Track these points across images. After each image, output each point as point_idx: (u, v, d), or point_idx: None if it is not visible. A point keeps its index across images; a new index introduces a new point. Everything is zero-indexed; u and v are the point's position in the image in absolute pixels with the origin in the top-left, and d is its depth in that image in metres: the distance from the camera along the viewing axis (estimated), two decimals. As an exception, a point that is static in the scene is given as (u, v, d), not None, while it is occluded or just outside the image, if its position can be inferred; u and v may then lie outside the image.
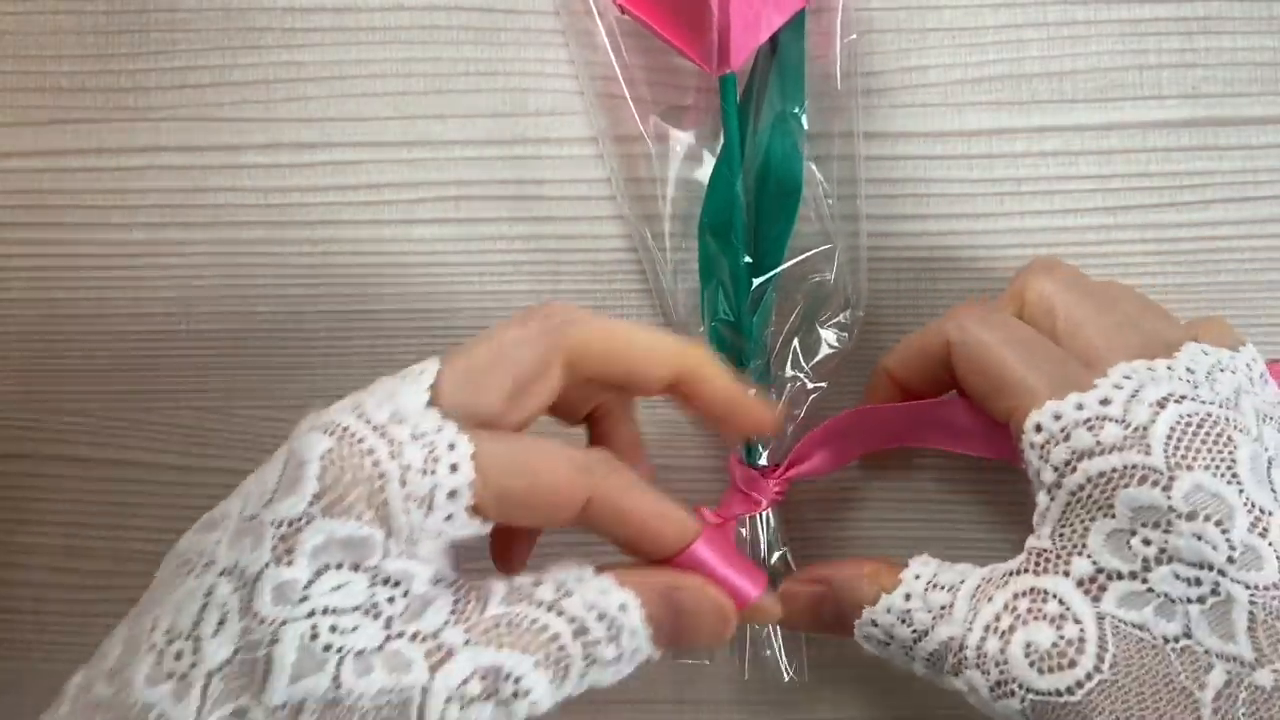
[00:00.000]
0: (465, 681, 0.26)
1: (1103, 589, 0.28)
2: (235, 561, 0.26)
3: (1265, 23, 0.41)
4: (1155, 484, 0.28)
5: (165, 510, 0.42)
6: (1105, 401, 0.29)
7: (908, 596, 0.31)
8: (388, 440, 0.27)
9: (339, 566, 0.26)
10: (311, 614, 0.26)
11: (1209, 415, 0.28)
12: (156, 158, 0.42)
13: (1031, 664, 0.28)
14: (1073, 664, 0.28)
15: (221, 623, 0.26)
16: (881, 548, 0.40)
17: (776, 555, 0.39)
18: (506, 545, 0.33)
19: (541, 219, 0.42)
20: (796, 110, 0.39)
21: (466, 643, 0.26)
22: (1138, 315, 0.32)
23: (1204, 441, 0.28)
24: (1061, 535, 0.29)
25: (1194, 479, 0.28)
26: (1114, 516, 0.28)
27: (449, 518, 0.27)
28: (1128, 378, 0.29)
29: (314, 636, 0.25)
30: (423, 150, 0.42)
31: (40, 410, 0.42)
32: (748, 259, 0.38)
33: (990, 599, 0.29)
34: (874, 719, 0.40)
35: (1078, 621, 0.28)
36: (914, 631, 0.30)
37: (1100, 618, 0.28)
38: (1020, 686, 0.28)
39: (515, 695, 0.26)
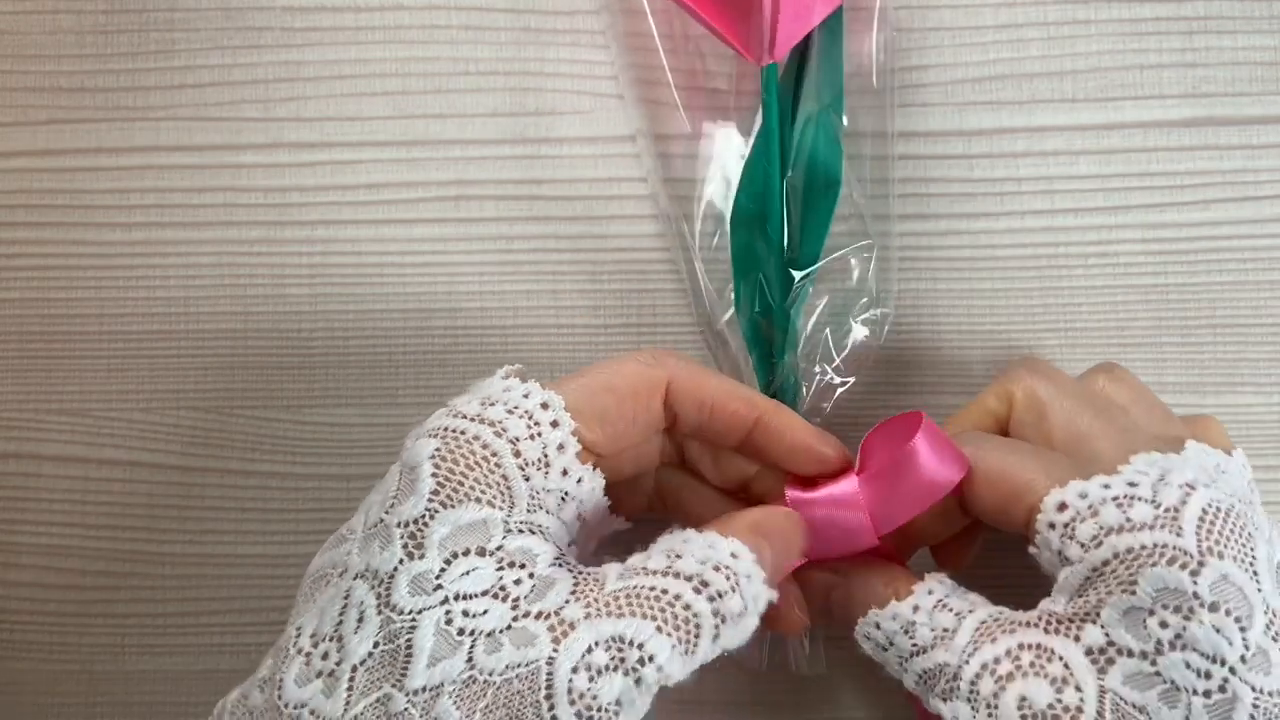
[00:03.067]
0: (589, 651, 0.26)
1: (1110, 662, 0.28)
2: (368, 564, 0.28)
3: (1265, 22, 0.41)
4: (1184, 566, 0.27)
5: (165, 510, 0.42)
6: (1133, 484, 0.29)
7: (915, 609, 0.31)
8: (488, 423, 0.29)
9: (466, 553, 0.28)
10: (445, 601, 0.27)
11: (1232, 507, 0.29)
12: (156, 158, 0.42)
13: (1022, 716, 0.28)
14: None
15: (361, 620, 0.27)
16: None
17: None
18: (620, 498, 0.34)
19: (541, 219, 0.42)
20: (833, 103, 0.39)
21: (587, 616, 0.27)
22: (1138, 417, 0.32)
23: (1231, 532, 0.28)
24: (1075, 603, 0.29)
25: (1222, 568, 0.27)
26: (1135, 593, 0.28)
27: (565, 472, 0.30)
28: (1151, 464, 0.30)
29: (449, 621, 0.27)
30: (423, 150, 0.42)
31: (40, 410, 0.42)
32: (789, 253, 0.38)
33: (994, 640, 0.29)
34: (875, 719, 0.40)
35: (1079, 690, 0.27)
36: (913, 645, 0.31)
37: (1103, 692, 0.27)
38: None
39: (641, 663, 0.27)
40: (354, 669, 0.27)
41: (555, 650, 0.26)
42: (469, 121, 0.42)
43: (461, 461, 0.29)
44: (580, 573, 0.29)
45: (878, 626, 0.32)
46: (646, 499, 0.36)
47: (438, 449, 0.29)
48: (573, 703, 0.26)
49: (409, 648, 0.27)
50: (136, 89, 0.43)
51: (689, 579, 0.28)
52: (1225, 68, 0.41)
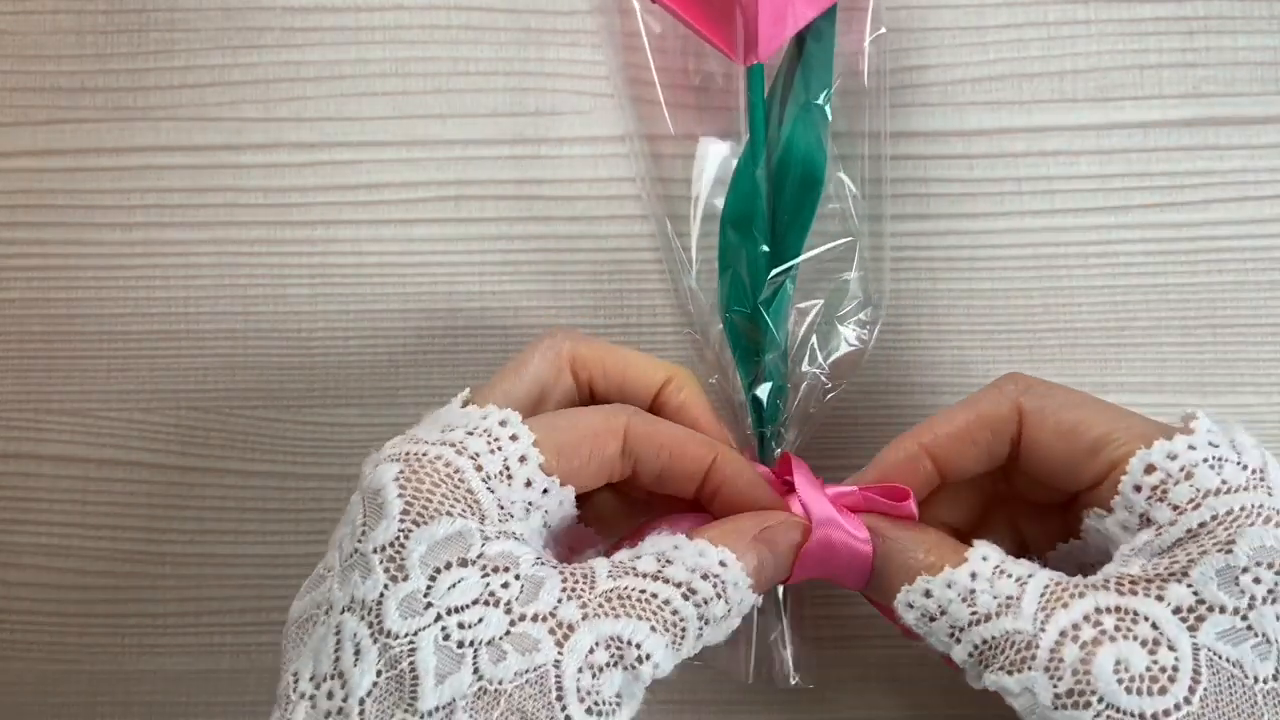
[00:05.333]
0: (592, 651, 0.28)
1: (1201, 620, 0.28)
2: (352, 596, 0.28)
3: (1265, 22, 0.41)
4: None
5: (165, 510, 0.42)
6: (1214, 444, 0.29)
7: (974, 575, 0.30)
8: (449, 444, 0.29)
9: (449, 566, 0.28)
10: (439, 617, 0.27)
11: None
12: (156, 158, 0.42)
13: (1120, 680, 0.27)
14: (1163, 690, 0.27)
15: (358, 652, 0.27)
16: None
17: None
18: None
19: (541, 219, 0.42)
20: (820, 101, 0.39)
21: (584, 617, 0.28)
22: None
23: None
24: (1156, 564, 0.29)
25: None
26: (1231, 552, 0.28)
27: (529, 483, 0.30)
28: (1217, 427, 0.30)
29: (446, 637, 0.27)
30: (423, 150, 0.42)
31: (40, 410, 0.42)
32: (765, 249, 0.38)
33: (1066, 605, 0.28)
34: (873, 719, 0.40)
35: (1172, 649, 0.27)
36: (973, 614, 0.29)
37: (1196, 649, 0.27)
38: (1100, 701, 0.27)
39: (639, 660, 0.28)
40: (361, 702, 0.27)
41: (560, 653, 0.27)
42: (469, 121, 0.42)
43: (426, 480, 0.28)
44: (567, 570, 0.29)
45: (927, 595, 0.30)
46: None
47: (401, 471, 0.29)
48: (582, 700, 0.27)
49: (413, 670, 0.27)
50: (137, 89, 0.43)
51: (678, 585, 0.29)
52: (1225, 68, 0.41)
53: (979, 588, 0.29)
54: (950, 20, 0.41)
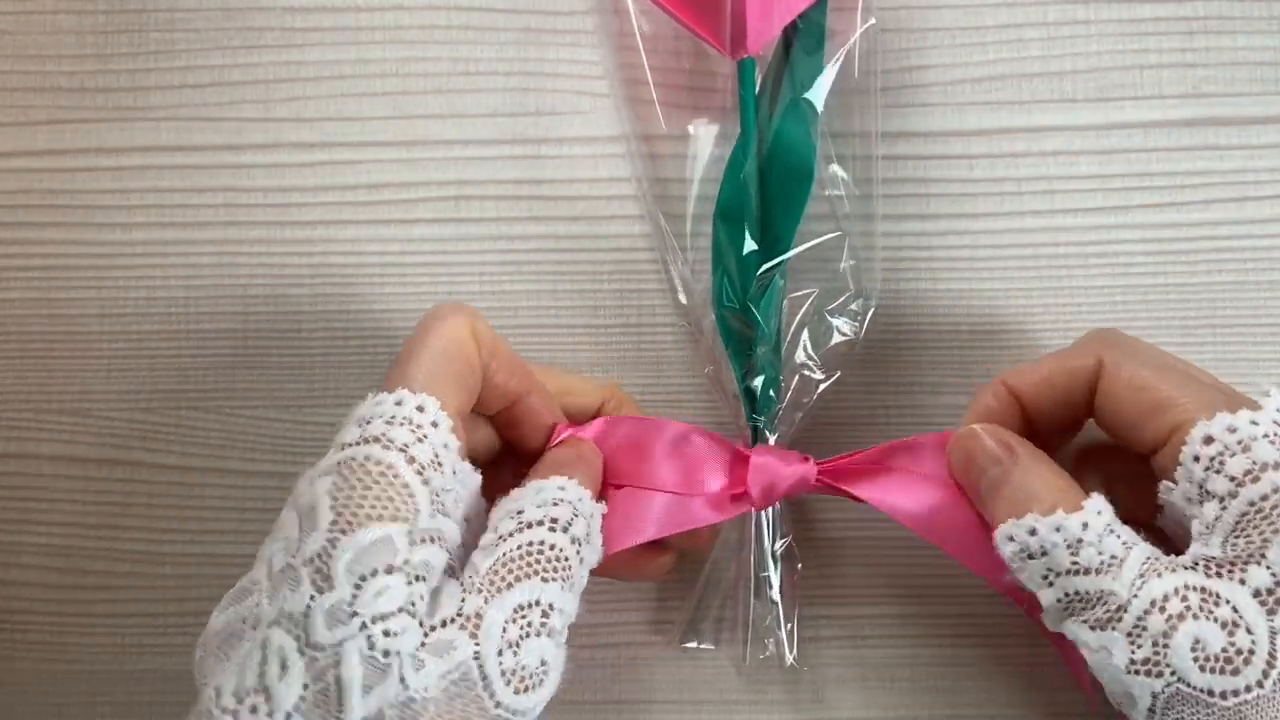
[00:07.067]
0: (504, 631, 0.28)
1: (1279, 602, 0.28)
2: (280, 609, 0.27)
3: (1265, 22, 0.41)
4: None
5: (164, 510, 0.42)
6: (1277, 421, 0.29)
7: (1085, 526, 0.29)
8: (373, 440, 0.29)
9: (375, 574, 0.27)
10: (364, 626, 0.27)
11: None
12: (156, 158, 0.42)
13: (1195, 659, 0.28)
14: (1236, 672, 0.27)
15: (284, 666, 0.27)
16: (886, 535, 0.40)
17: (781, 542, 0.39)
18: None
19: (541, 219, 0.42)
20: (809, 95, 0.39)
21: (485, 600, 0.29)
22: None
23: None
24: (1235, 545, 0.29)
25: None
26: None
27: (454, 472, 0.30)
28: None
29: (371, 646, 0.27)
30: (423, 150, 0.42)
31: (40, 410, 0.42)
32: (754, 246, 0.38)
33: (1160, 576, 0.29)
34: (867, 718, 0.40)
35: (1250, 632, 0.28)
36: (1074, 564, 0.29)
37: (1274, 633, 0.28)
38: (1173, 674, 0.28)
39: (545, 615, 0.29)
40: (288, 716, 0.26)
41: (476, 644, 0.28)
42: (469, 121, 0.42)
43: (358, 485, 0.28)
44: (458, 573, 0.30)
45: (1032, 533, 0.30)
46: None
47: (334, 482, 0.28)
48: (508, 682, 0.28)
49: (339, 682, 0.26)
50: (137, 89, 0.43)
51: (540, 523, 0.30)
52: (1225, 68, 0.41)
53: (1087, 539, 0.29)
54: (950, 20, 0.42)
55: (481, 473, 0.33)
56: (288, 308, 0.42)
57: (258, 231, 0.42)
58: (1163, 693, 0.28)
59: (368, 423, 0.30)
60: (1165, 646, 0.28)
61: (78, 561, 0.42)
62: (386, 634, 0.27)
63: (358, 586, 0.27)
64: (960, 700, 0.40)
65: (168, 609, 0.41)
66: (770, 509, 0.38)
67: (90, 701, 0.41)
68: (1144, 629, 0.28)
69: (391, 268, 0.42)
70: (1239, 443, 0.29)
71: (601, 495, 0.35)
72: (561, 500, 0.31)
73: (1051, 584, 0.30)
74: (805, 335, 0.39)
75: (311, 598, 0.27)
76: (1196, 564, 0.29)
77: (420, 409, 0.30)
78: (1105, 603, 0.29)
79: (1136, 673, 0.28)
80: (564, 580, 0.30)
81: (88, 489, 0.42)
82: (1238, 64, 0.41)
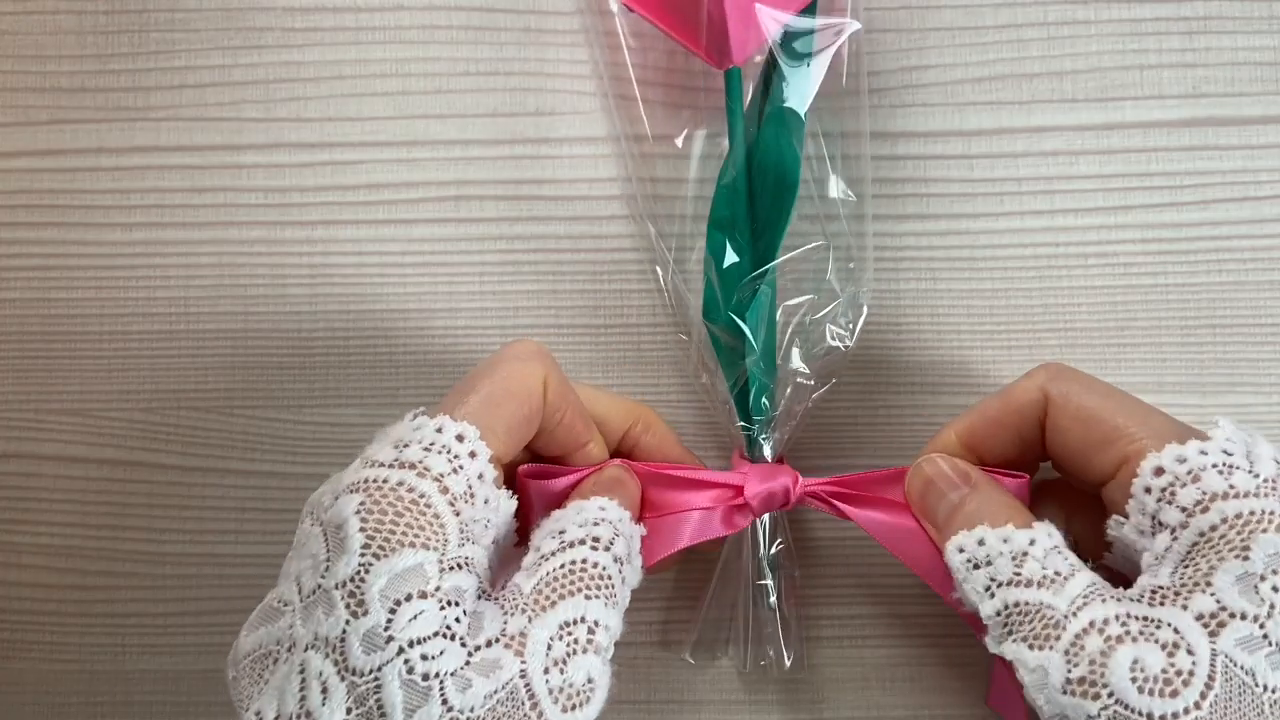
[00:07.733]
0: (550, 649, 0.28)
1: (1222, 625, 0.28)
2: (315, 633, 0.27)
3: (1265, 23, 0.41)
4: None
5: (164, 510, 0.42)
6: (1228, 452, 0.29)
7: (1032, 542, 0.30)
8: (408, 466, 0.29)
9: (409, 599, 0.27)
10: (401, 650, 0.27)
11: None
12: (156, 158, 0.42)
13: (1133, 680, 0.27)
14: (1175, 694, 0.27)
15: (325, 691, 0.27)
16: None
17: (777, 545, 0.39)
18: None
19: (541, 219, 0.42)
20: (793, 104, 0.38)
21: (530, 620, 0.29)
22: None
23: None
24: (1183, 574, 0.29)
25: None
26: (1248, 559, 0.28)
27: (486, 501, 0.30)
28: (1237, 435, 0.30)
29: (410, 670, 0.27)
30: (423, 150, 0.42)
31: (40, 410, 0.42)
32: (735, 259, 0.38)
33: (1104, 602, 0.29)
34: (865, 719, 0.40)
35: (1191, 653, 0.27)
36: (1017, 574, 0.30)
37: (1214, 655, 0.28)
38: (1110, 695, 0.27)
39: (591, 633, 0.29)
40: None
41: (523, 663, 0.28)
42: (469, 121, 0.42)
43: (390, 510, 0.28)
44: (498, 596, 0.30)
45: (981, 543, 0.31)
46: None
47: (362, 503, 0.28)
48: (555, 699, 0.28)
49: (380, 707, 0.26)
50: (137, 89, 0.43)
51: (583, 542, 0.31)
52: (1225, 68, 0.41)
53: (1033, 553, 0.30)
54: (950, 20, 0.42)
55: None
56: (288, 308, 0.42)
57: (258, 231, 0.42)
58: (1099, 715, 0.27)
59: (405, 446, 0.30)
60: (1103, 666, 0.28)
61: (78, 561, 0.42)
62: (425, 657, 0.27)
63: (392, 611, 0.27)
64: (960, 700, 0.40)
65: (168, 609, 0.41)
66: (763, 518, 0.38)
67: (90, 701, 0.41)
68: (1081, 648, 0.28)
69: (391, 268, 0.42)
70: (1189, 473, 0.29)
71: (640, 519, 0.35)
72: (603, 520, 0.32)
73: (993, 595, 0.30)
74: (797, 343, 0.39)
75: (347, 622, 0.27)
76: (1142, 596, 0.29)
77: (460, 438, 0.30)
78: (1043, 617, 0.29)
79: (1072, 693, 0.28)
80: (608, 597, 0.30)
81: (88, 489, 0.42)
82: (1238, 64, 0.41)
